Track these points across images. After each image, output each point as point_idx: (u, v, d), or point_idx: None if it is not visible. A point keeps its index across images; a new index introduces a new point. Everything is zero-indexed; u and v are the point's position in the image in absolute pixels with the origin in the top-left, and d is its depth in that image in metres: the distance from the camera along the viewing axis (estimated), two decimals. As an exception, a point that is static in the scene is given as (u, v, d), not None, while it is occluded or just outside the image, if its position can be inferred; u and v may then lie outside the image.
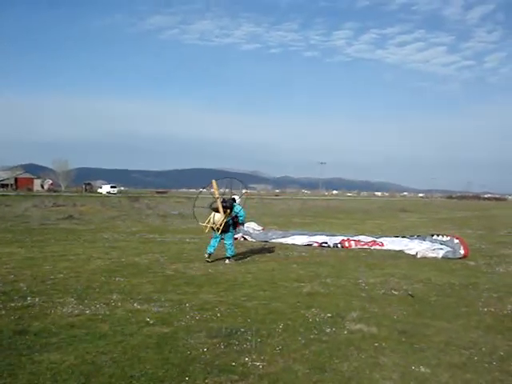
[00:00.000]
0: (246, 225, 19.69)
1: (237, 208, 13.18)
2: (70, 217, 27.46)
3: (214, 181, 13.52)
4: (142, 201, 51.42)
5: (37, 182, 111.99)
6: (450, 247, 15.19)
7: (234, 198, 13.49)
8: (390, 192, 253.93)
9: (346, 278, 10.78)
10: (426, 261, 14.04)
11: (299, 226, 26.63)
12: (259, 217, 32.32)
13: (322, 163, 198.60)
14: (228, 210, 13.00)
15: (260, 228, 20.29)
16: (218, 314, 7.47)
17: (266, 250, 15.86)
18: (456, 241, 15.45)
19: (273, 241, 18.31)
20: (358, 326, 6.96)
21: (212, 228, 13.01)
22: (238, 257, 13.67)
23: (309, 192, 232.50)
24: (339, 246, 17.07)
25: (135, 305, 7.92)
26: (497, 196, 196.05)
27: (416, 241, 16.70)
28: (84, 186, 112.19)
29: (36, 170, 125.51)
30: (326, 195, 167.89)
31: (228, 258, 13.02)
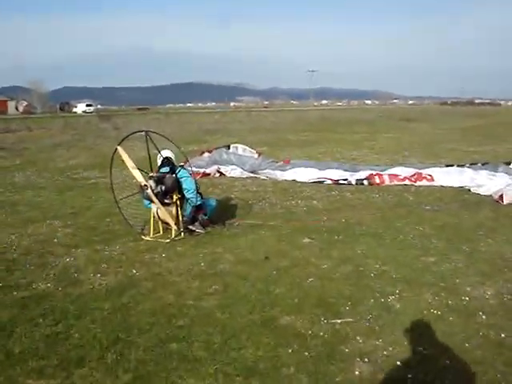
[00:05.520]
0: (232, 145, 13.89)
1: (185, 180, 7.13)
2: (-1, 147, 21.10)
3: (118, 147, 7.24)
4: (114, 120, 44.56)
5: (11, 104, 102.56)
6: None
7: (168, 160, 7.35)
8: (380, 100, 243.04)
9: (427, 284, 5.00)
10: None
11: (297, 145, 20.55)
12: (246, 135, 26.13)
13: (311, 71, 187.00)
14: (174, 195, 7.09)
15: (254, 152, 13.90)
16: None
17: (252, 195, 10.01)
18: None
19: (264, 174, 12.45)
20: None
21: (167, 226, 7.20)
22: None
23: (297, 102, 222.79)
24: (365, 182, 11.22)
25: None
26: (488, 101, 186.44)
27: (484, 172, 10.85)
28: (59, 106, 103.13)
29: (20, 92, 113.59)
30: (315, 105, 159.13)
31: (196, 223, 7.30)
